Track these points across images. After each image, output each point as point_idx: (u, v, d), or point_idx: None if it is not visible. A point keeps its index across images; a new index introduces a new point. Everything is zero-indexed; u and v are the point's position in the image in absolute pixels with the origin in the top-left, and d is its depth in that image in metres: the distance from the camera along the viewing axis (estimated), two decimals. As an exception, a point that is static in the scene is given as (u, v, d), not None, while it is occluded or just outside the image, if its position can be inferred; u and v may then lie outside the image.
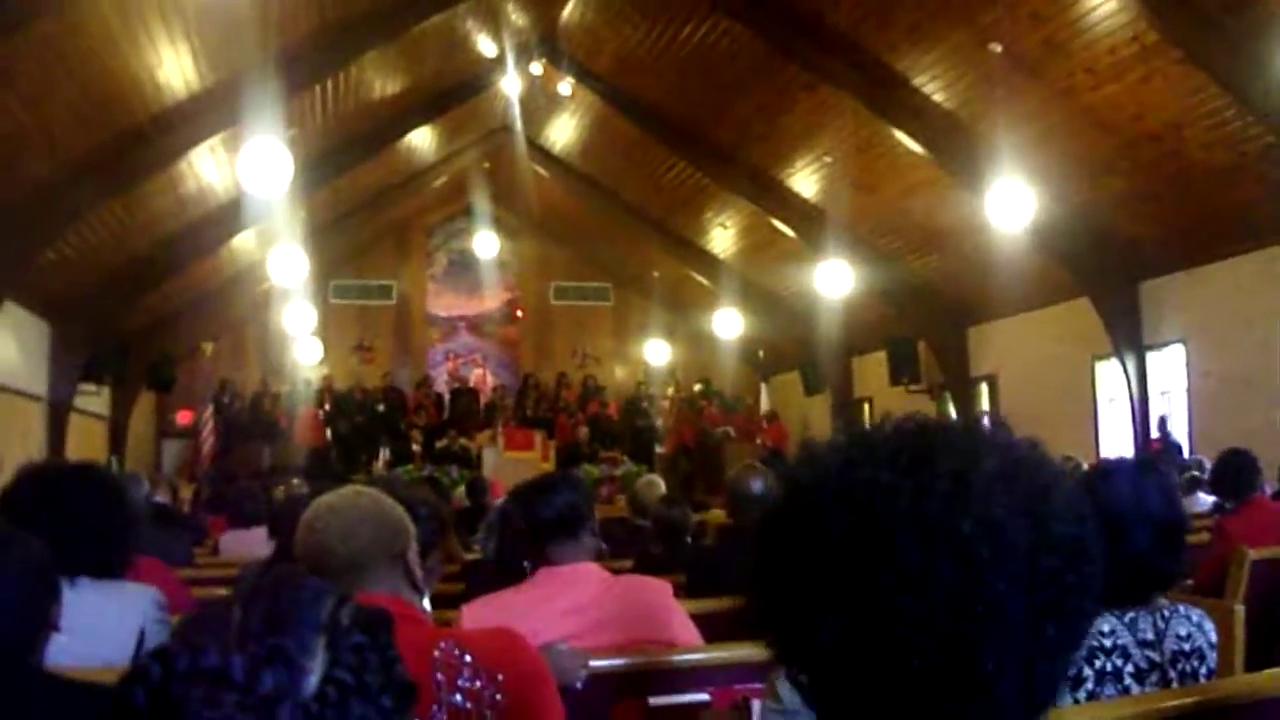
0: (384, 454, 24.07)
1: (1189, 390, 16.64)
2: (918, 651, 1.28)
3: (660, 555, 7.38)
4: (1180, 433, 16.23)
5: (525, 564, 4.55)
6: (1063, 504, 1.36)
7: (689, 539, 7.71)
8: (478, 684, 2.68)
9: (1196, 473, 12.06)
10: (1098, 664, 3.10)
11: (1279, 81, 11.70)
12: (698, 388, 28.38)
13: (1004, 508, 1.31)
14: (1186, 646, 3.18)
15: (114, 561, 3.87)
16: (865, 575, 1.30)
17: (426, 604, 3.08)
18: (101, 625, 3.56)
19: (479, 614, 4.17)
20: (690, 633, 4.49)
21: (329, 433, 25.10)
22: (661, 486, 9.68)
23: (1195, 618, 3.26)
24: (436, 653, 2.67)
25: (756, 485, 6.53)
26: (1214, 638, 3.28)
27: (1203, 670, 3.21)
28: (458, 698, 2.64)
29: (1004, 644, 1.29)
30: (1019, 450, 1.40)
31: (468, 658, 2.69)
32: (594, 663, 3.90)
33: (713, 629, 4.89)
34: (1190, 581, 6.76)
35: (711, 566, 6.29)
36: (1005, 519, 1.30)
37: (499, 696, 2.70)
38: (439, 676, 2.63)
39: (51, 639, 2.59)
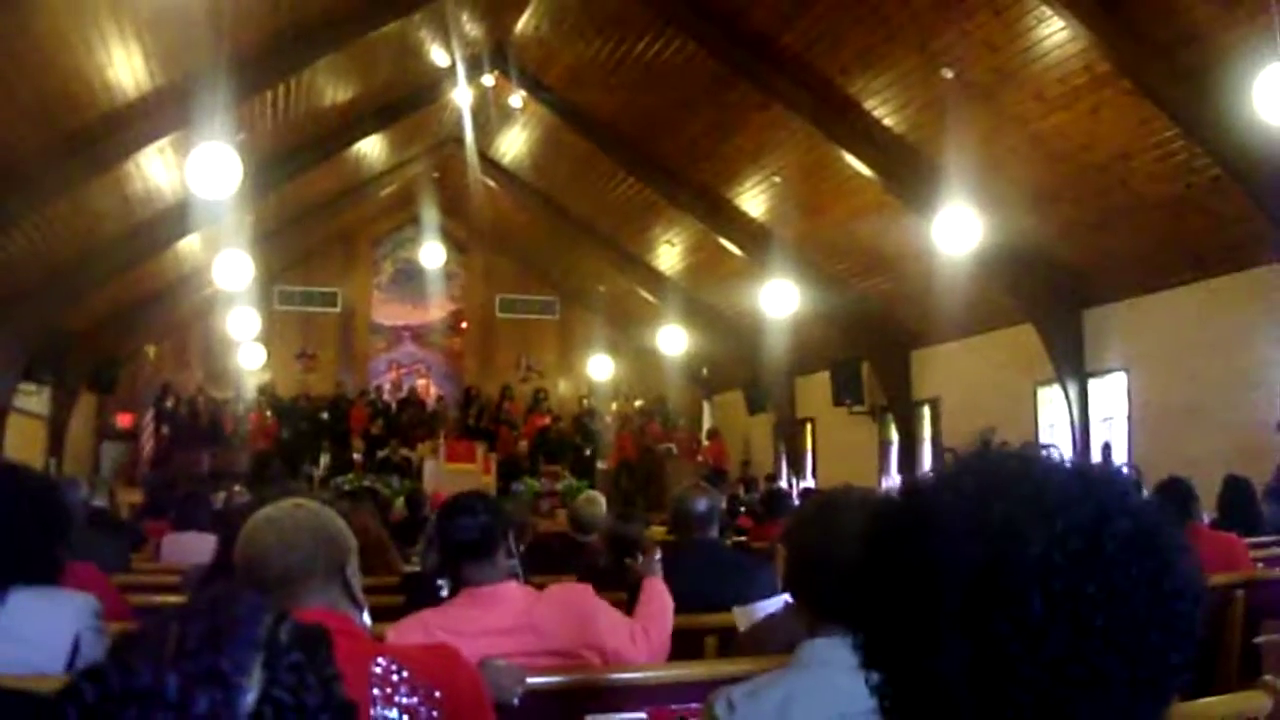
0: (323, 461, 23.94)
1: (1130, 418, 16.75)
2: (1013, 704, 1.29)
3: (608, 568, 7.37)
4: (1120, 460, 16.30)
5: (439, 583, 4.55)
6: (1183, 581, 1.36)
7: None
8: (415, 700, 2.67)
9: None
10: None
11: (1227, 114, 11.78)
12: (638, 404, 28.38)
13: (1129, 578, 1.31)
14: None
15: (48, 567, 3.81)
16: (981, 615, 1.30)
17: (366, 618, 3.06)
18: (35, 633, 3.52)
19: (404, 633, 4.16)
20: (620, 630, 4.50)
21: (281, 435, 25.04)
22: (603, 503, 9.66)
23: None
24: (375, 668, 2.66)
25: (700, 504, 6.54)
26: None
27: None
28: (394, 714, 2.63)
29: (1098, 712, 1.30)
30: (1150, 517, 1.39)
31: (405, 674, 2.68)
32: (531, 680, 3.89)
33: (652, 648, 4.88)
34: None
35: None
36: (1129, 590, 1.31)
37: (436, 713, 2.69)
38: (376, 692, 2.62)
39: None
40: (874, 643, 1.44)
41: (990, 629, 1.29)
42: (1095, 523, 1.33)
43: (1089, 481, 1.40)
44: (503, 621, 4.23)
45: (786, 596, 3.95)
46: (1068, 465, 1.45)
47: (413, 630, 4.19)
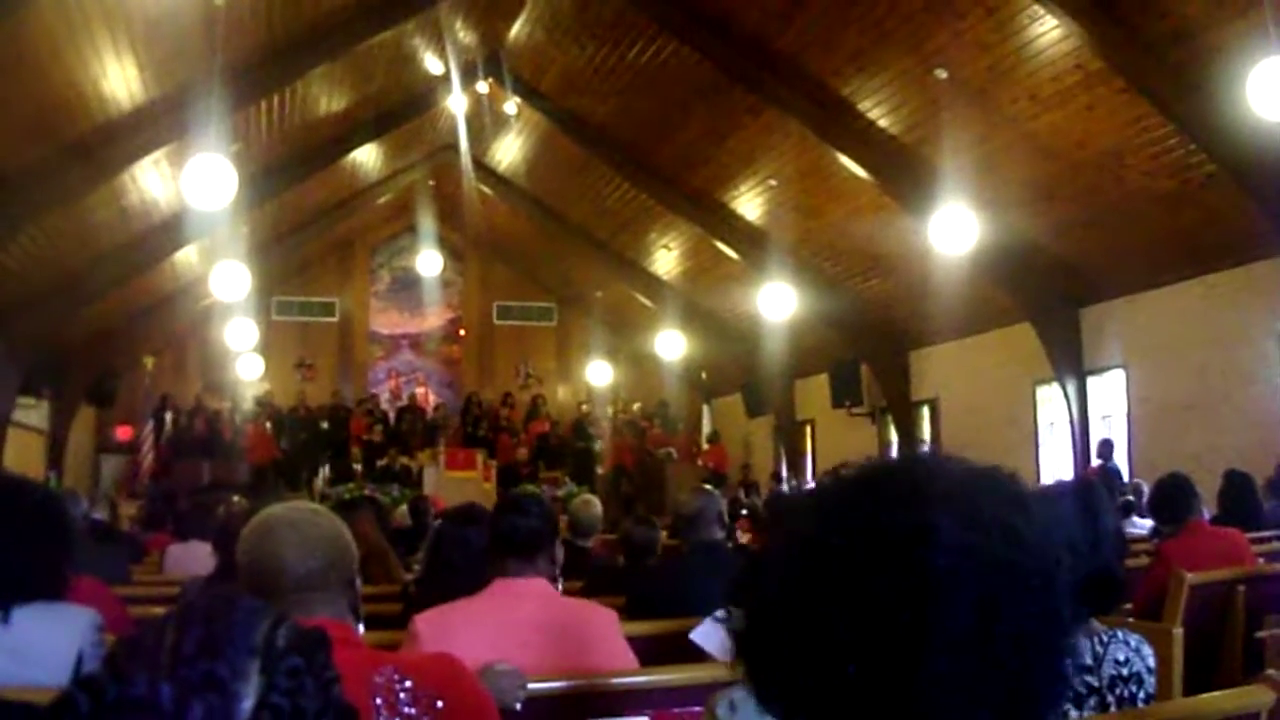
0: (324, 471, 23.92)
1: (1129, 415, 16.75)
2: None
3: (618, 573, 7.38)
4: (1120, 457, 16.30)
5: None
6: (1014, 611, 1.34)
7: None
8: (417, 710, 2.66)
9: (1132, 497, 12.14)
10: (1035, 690, 3.11)
11: (1221, 110, 11.79)
12: (636, 407, 28.37)
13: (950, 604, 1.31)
14: (1125, 671, 3.19)
15: (52, 583, 3.78)
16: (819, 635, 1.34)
17: (361, 630, 3.05)
18: (39, 647, 3.51)
19: (431, 621, 4.17)
20: (628, 666, 4.50)
21: (278, 448, 25.02)
22: (598, 506, 9.65)
23: (1133, 642, 3.27)
24: (377, 679, 2.65)
25: (703, 507, 6.54)
26: (1152, 662, 3.29)
27: (1141, 695, 3.22)
28: (397, 722, 2.62)
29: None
30: (980, 549, 1.36)
31: (407, 683, 2.67)
32: (532, 685, 3.89)
33: (653, 651, 4.88)
34: (1129, 605, 6.81)
35: (655, 588, 6.28)
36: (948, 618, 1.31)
37: (439, 721, 2.69)
38: (378, 701, 2.61)
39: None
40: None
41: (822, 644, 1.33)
42: (910, 555, 1.33)
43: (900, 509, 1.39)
44: (526, 615, 4.26)
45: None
46: (886, 486, 1.44)
47: (440, 617, 4.21)
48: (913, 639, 1.29)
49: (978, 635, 1.30)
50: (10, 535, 3.60)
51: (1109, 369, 17.13)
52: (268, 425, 25.39)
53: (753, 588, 1.47)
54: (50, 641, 3.59)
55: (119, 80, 13.95)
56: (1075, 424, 17.36)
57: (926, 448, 21.49)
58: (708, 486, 7.58)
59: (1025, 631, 1.33)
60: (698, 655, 5.23)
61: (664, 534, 10.31)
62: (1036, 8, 12.49)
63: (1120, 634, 3.27)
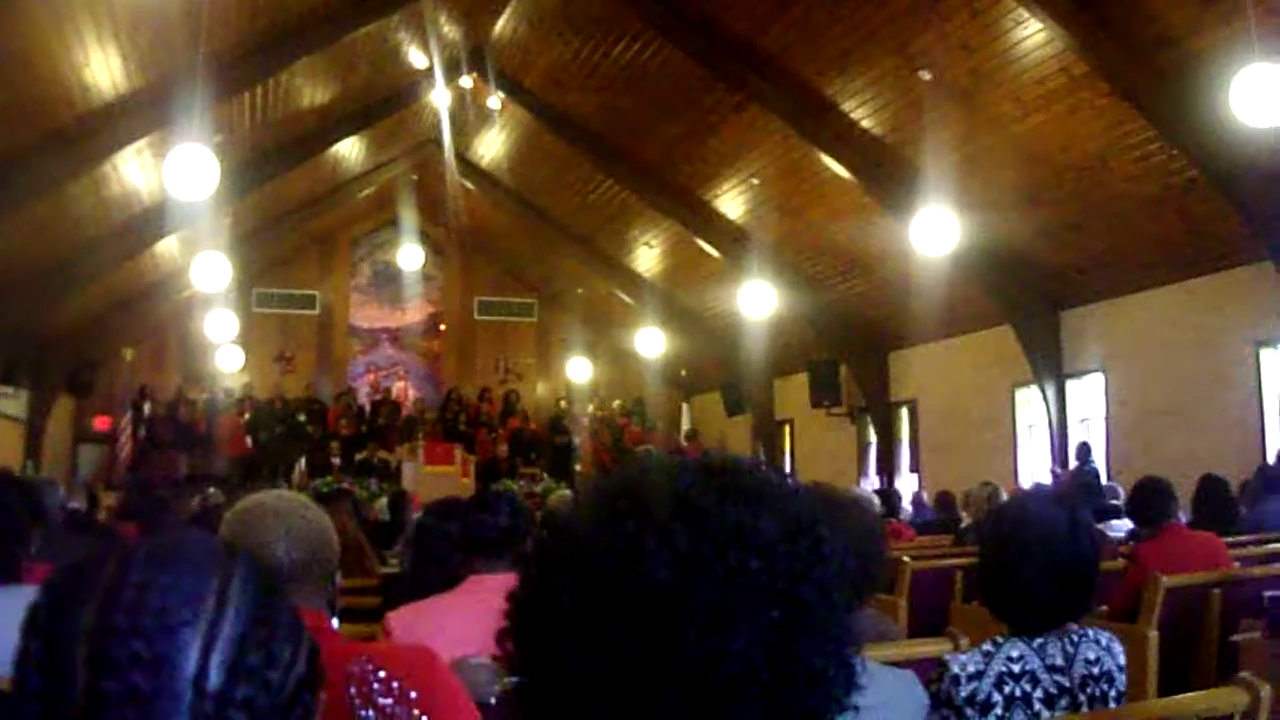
0: (300, 464, 23.87)
1: (1107, 419, 16.80)
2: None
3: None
4: (1098, 461, 16.34)
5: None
6: (752, 625, 1.27)
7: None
8: (391, 700, 2.66)
9: (1114, 501, 12.19)
10: (1006, 689, 3.12)
11: (1204, 116, 11.82)
12: (616, 404, 28.39)
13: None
14: (1095, 670, 3.21)
15: (5, 563, 3.77)
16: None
17: (335, 623, 3.05)
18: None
19: (402, 618, 4.19)
20: None
21: (250, 442, 24.96)
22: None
23: (1104, 641, 3.29)
24: (352, 668, 2.65)
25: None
26: (1122, 660, 3.31)
27: (1112, 693, 3.23)
28: (372, 714, 2.62)
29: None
30: (704, 559, 1.28)
31: (381, 674, 2.67)
32: (509, 678, 3.89)
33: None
34: (1105, 607, 6.84)
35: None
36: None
37: (415, 712, 2.69)
38: (353, 691, 2.61)
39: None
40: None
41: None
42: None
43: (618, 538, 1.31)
44: (500, 609, 4.26)
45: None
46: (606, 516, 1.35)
47: (413, 614, 4.22)
48: (643, 672, 1.25)
49: (712, 656, 1.24)
50: None
51: (1088, 372, 17.18)
52: (243, 418, 25.35)
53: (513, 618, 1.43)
54: (11, 624, 3.56)
55: (102, 69, 13.91)
56: (1054, 427, 17.41)
57: (909, 449, 21.56)
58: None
59: (771, 643, 1.26)
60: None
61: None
62: (1021, 11, 12.51)
63: (1091, 632, 3.28)
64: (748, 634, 1.25)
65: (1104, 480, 15.04)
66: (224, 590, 1.31)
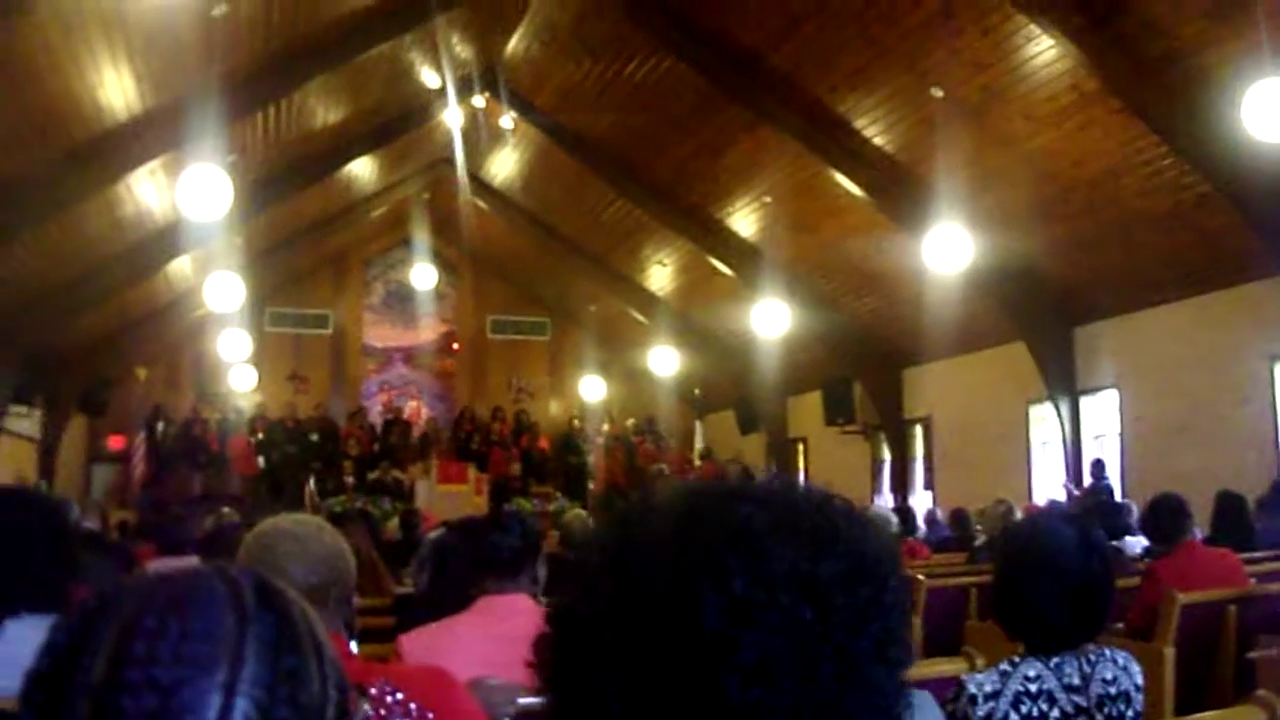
0: (311, 484, 23.83)
1: (1122, 435, 16.75)
2: None
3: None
4: (1113, 477, 16.30)
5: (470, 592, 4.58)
6: (806, 673, 1.22)
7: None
8: (409, 722, 2.65)
9: (1129, 518, 12.15)
10: (1023, 709, 3.11)
11: (1215, 131, 11.81)
12: (630, 423, 28.38)
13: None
14: (1113, 690, 3.20)
15: (49, 595, 3.71)
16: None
17: (354, 646, 3.04)
18: (27, 658, 3.47)
19: (415, 642, 4.18)
20: None
21: (261, 461, 24.97)
22: (589, 521, 9.65)
23: (1121, 660, 3.28)
24: (370, 690, 2.64)
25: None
26: (1140, 680, 3.30)
27: (1129, 713, 3.22)
28: (389, 735, 2.62)
29: None
30: (761, 605, 1.24)
31: (400, 696, 2.67)
32: (523, 700, 3.88)
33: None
34: (1121, 625, 6.82)
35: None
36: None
37: (431, 734, 2.68)
38: (370, 713, 2.61)
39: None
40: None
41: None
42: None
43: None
44: (514, 630, 4.26)
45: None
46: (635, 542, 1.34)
47: (426, 636, 4.21)
48: (681, 716, 1.21)
49: (754, 709, 1.19)
50: (8, 546, 3.56)
51: (1102, 389, 17.14)
52: (255, 437, 25.38)
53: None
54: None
55: (116, 90, 13.93)
56: (1068, 443, 17.37)
57: (923, 466, 21.52)
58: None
59: (820, 700, 1.21)
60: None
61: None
62: (1032, 28, 12.51)
63: (1108, 652, 3.27)
64: (794, 688, 1.21)
65: (1118, 497, 15.01)
66: (242, 633, 1.26)
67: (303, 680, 1.27)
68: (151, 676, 1.19)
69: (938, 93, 14.31)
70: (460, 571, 5.52)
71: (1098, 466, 16.03)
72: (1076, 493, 16.31)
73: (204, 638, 1.23)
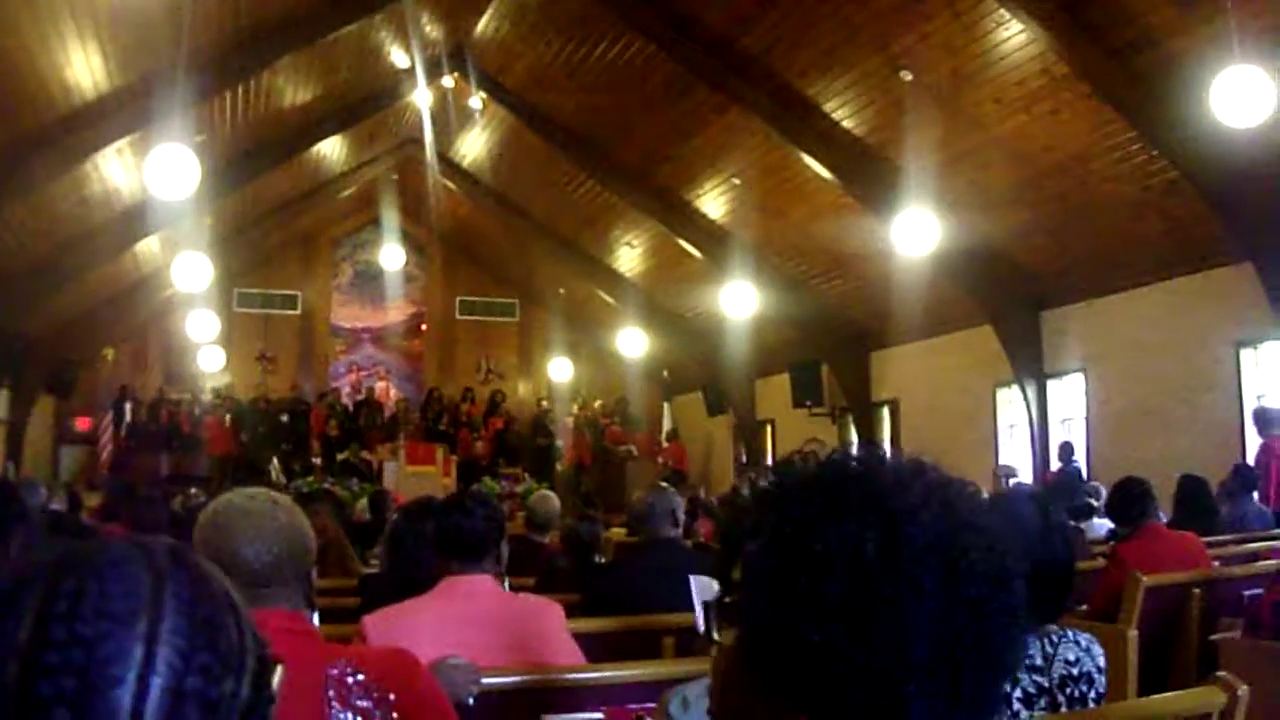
0: (275, 463, 23.74)
1: (1088, 419, 16.81)
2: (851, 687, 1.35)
3: (566, 569, 7.38)
4: (1079, 460, 16.35)
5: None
6: (980, 567, 1.40)
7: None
8: (370, 703, 2.65)
9: (1093, 500, 12.22)
10: (986, 690, 3.12)
11: (1184, 117, 11.85)
12: (598, 405, 28.39)
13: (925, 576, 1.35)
14: (1075, 671, 3.20)
15: None
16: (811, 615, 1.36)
17: (316, 619, 3.04)
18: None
19: (378, 623, 4.18)
20: (574, 661, 4.50)
21: (239, 440, 24.97)
22: (555, 502, 9.67)
23: (1084, 642, 3.28)
24: (331, 670, 2.63)
25: (658, 504, 6.54)
26: (1102, 662, 3.30)
27: (1091, 694, 3.23)
28: (350, 716, 2.62)
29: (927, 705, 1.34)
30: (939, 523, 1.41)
31: (360, 677, 2.66)
32: (486, 680, 3.89)
33: (607, 648, 4.89)
34: (1085, 606, 6.85)
35: (609, 585, 6.30)
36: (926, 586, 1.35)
37: (394, 715, 2.68)
38: (331, 694, 2.60)
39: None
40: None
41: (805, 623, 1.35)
42: (889, 531, 1.37)
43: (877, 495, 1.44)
44: (477, 611, 4.27)
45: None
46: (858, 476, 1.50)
47: (388, 617, 4.22)
48: (892, 630, 1.33)
49: (946, 619, 1.34)
50: None
51: (1069, 372, 17.19)
52: (227, 418, 25.35)
53: (733, 585, 1.55)
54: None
55: (83, 69, 13.88)
56: (1035, 426, 17.42)
57: (886, 449, 21.55)
58: (663, 484, 7.58)
59: (986, 629, 1.38)
60: (650, 651, 5.23)
61: (622, 531, 10.30)
62: (1003, 12, 12.52)
63: (1070, 633, 3.28)
64: (975, 613, 1.38)
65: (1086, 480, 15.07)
66: (159, 589, 1.28)
67: (220, 628, 1.30)
68: (74, 632, 1.22)
69: (907, 76, 14.33)
70: (417, 552, 5.52)
71: (1066, 449, 16.08)
72: (1010, 475, 16.43)
73: (123, 596, 1.26)
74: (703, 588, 4.27)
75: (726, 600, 1.64)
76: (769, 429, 25.42)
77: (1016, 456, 18.10)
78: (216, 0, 14.17)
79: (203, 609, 1.30)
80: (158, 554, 1.33)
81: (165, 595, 1.28)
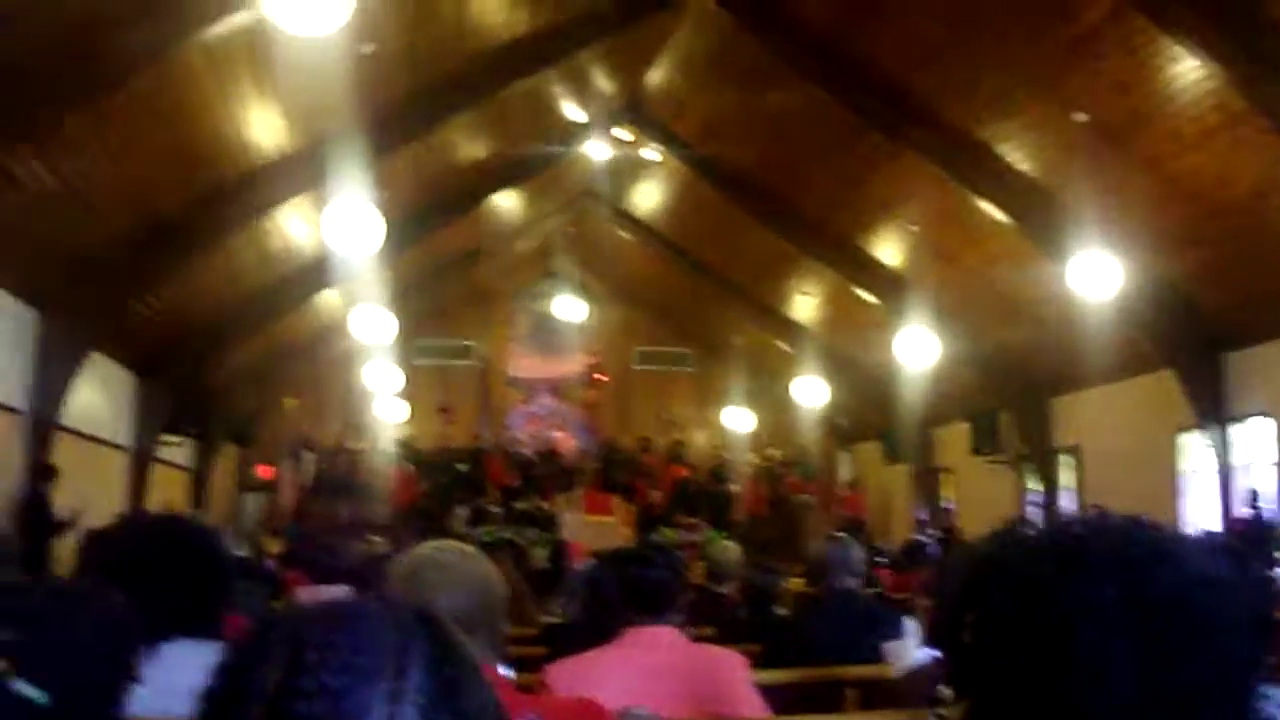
0: (459, 513, 23.98)
1: (1278, 464, 16.41)
2: None
3: (745, 621, 7.37)
4: (1269, 506, 15.97)
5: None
6: (1218, 620, 1.46)
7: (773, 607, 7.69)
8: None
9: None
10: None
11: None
12: (777, 454, 28.27)
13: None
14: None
15: (205, 621, 3.78)
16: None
17: (510, 671, 3.07)
18: (181, 683, 3.53)
19: (561, 672, 4.20)
20: (758, 713, 4.48)
21: (421, 490, 25.27)
22: (736, 552, 9.64)
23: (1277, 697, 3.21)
24: (523, 720, 2.65)
25: (837, 554, 6.51)
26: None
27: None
28: (538, 763, 2.63)
29: None
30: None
31: (549, 726, 2.68)
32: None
33: (786, 699, 4.87)
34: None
35: (789, 636, 6.27)
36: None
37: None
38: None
39: (131, 691, 2.58)
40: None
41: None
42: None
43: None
44: (659, 662, 4.27)
45: (935, 652, 3.93)
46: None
47: (572, 667, 4.23)
48: (1133, 684, 1.37)
49: (1191, 673, 1.39)
50: (168, 572, 3.62)
51: (1254, 415, 16.81)
52: (409, 468, 25.67)
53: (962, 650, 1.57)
54: (192, 677, 3.59)
55: (264, 128, 14.21)
56: (1218, 472, 17.06)
57: (1074, 504, 21.23)
58: (841, 534, 7.55)
59: (1231, 680, 1.45)
60: (833, 704, 5.21)
61: (800, 582, 10.25)
62: (1176, 48, 12.36)
63: (1276, 692, 3.21)
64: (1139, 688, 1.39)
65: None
66: (405, 647, 1.32)
67: (463, 691, 1.33)
68: (323, 683, 1.25)
69: (1081, 117, 14.17)
70: (611, 603, 5.56)
71: (1252, 496, 15.73)
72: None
73: (370, 650, 1.29)
74: (896, 652, 4.24)
75: (954, 668, 1.69)
76: (947, 477, 25.17)
77: (1199, 503, 17.73)
78: (393, 58, 14.43)
79: (447, 670, 1.33)
80: (403, 612, 1.38)
81: (411, 652, 1.31)
